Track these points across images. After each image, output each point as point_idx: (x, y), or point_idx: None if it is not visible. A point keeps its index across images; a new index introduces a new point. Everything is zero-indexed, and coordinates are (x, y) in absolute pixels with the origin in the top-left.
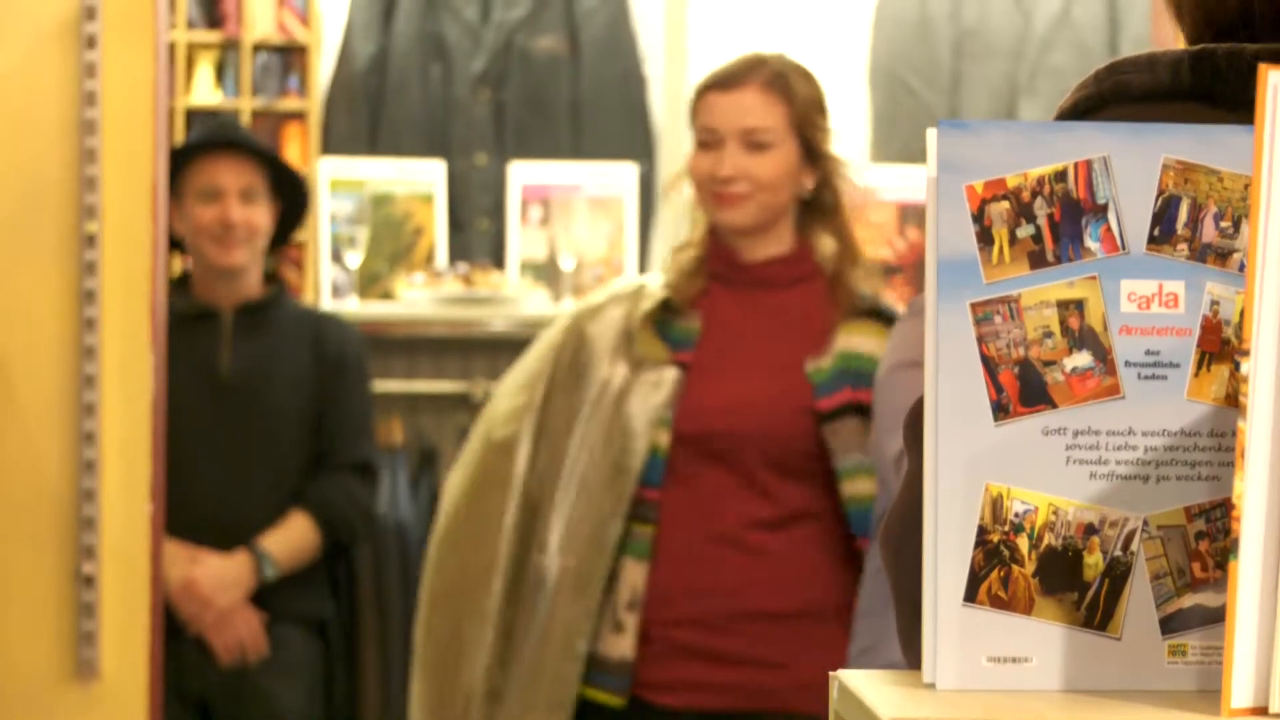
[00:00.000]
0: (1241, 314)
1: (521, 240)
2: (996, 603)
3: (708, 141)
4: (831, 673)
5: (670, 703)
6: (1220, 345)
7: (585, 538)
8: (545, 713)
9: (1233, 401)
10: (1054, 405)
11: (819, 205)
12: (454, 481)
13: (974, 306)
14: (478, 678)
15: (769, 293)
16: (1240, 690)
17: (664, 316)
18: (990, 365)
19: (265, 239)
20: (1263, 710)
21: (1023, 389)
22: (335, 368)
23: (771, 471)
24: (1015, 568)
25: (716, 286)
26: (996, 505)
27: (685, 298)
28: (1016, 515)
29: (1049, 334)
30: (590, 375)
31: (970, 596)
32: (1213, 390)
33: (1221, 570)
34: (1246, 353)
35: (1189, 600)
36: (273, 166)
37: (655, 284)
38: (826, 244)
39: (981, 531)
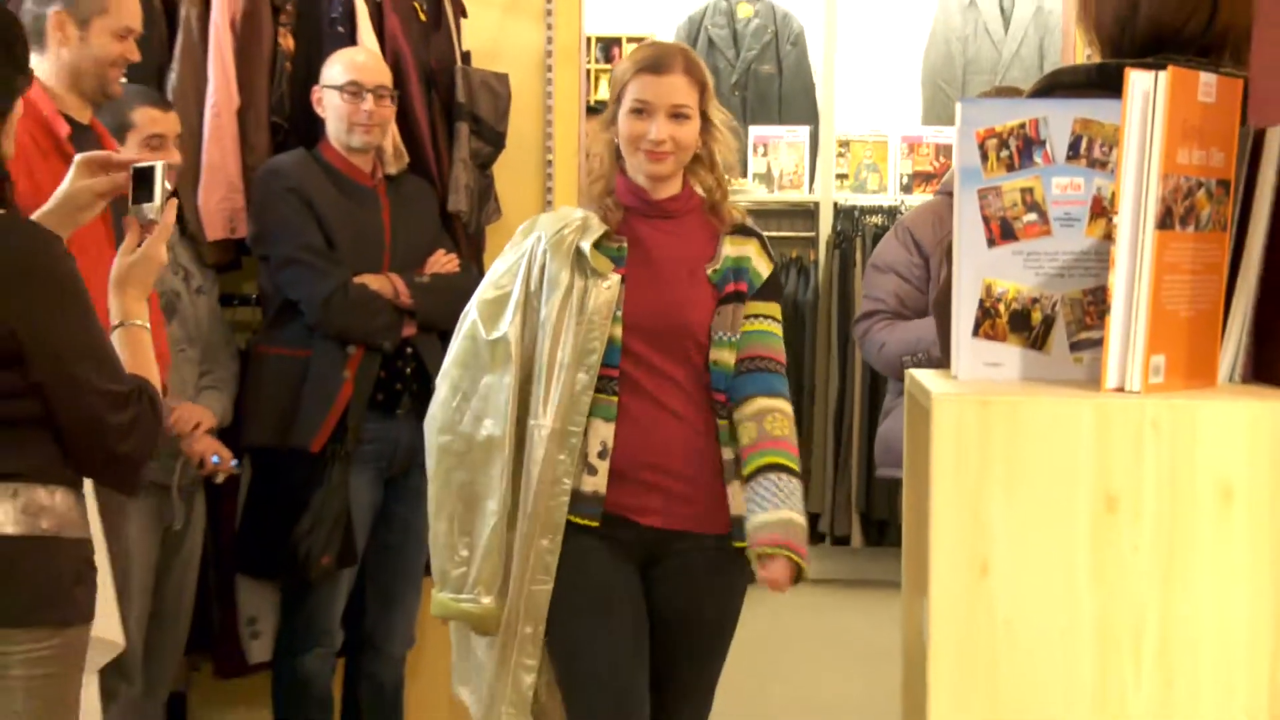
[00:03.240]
0: (1113, 194)
1: (753, 163)
2: (988, 336)
3: (642, 110)
4: (907, 370)
5: (634, 519)
6: (1102, 210)
7: (565, 405)
8: (543, 533)
9: (1108, 238)
10: (1017, 239)
11: (700, 157)
12: (456, 358)
13: (979, 191)
14: (498, 512)
15: (670, 221)
16: (1111, 379)
17: (600, 239)
18: (986, 220)
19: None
20: (1121, 389)
21: (1002, 231)
22: None
23: (693, 348)
24: (998, 319)
25: (631, 217)
26: (989, 289)
27: (613, 226)
28: (999, 293)
29: (1015, 204)
30: (556, 280)
31: (975, 332)
32: (1099, 231)
33: (1101, 320)
34: (1116, 213)
35: (1084, 335)
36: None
37: (584, 216)
38: (704, 183)
39: (981, 302)
